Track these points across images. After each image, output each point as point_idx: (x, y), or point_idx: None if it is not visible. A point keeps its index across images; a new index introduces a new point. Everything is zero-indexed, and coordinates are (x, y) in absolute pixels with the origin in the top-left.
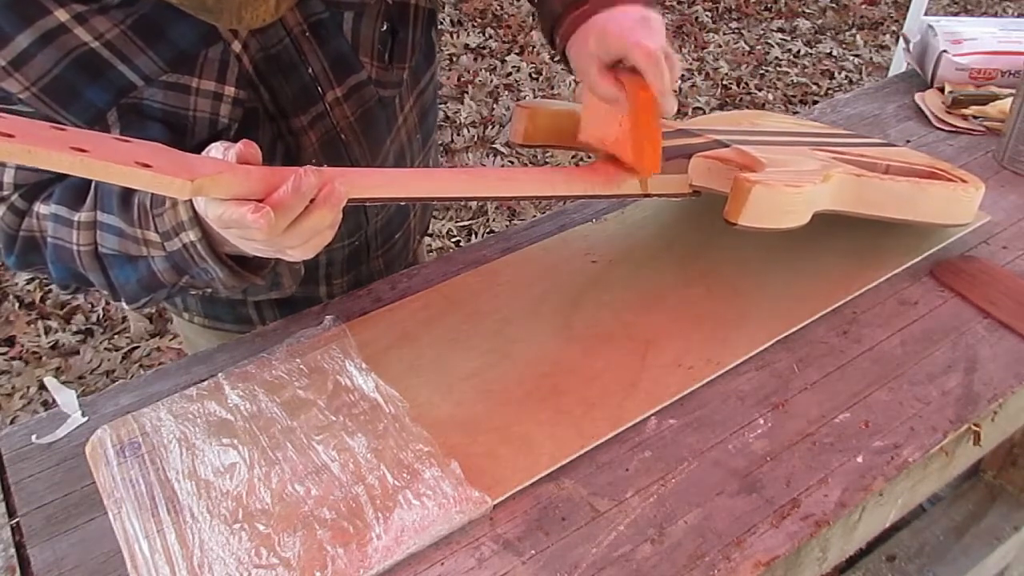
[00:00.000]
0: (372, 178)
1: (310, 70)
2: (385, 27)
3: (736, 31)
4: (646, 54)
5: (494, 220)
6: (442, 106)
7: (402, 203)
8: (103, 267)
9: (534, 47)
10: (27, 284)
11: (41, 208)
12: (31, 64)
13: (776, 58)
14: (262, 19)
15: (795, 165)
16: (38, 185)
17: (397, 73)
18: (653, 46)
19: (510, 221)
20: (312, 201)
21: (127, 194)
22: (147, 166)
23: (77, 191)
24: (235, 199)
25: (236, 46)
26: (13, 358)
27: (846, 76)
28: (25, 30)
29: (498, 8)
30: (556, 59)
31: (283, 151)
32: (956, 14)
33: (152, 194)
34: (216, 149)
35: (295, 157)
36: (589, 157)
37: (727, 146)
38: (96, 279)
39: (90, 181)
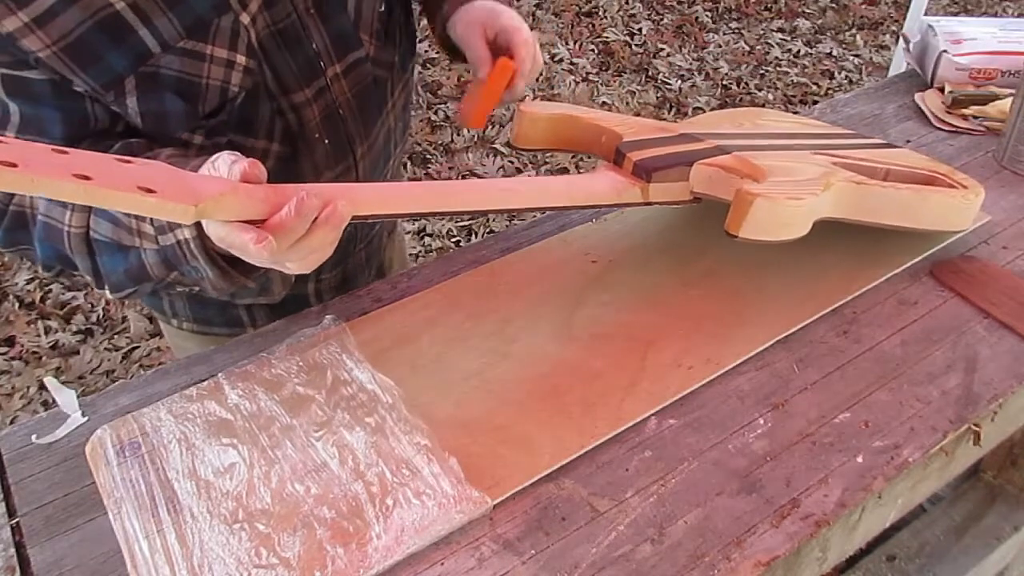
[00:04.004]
0: (375, 195)
1: (314, 45)
2: (383, 7)
3: (736, 31)
4: (524, 42)
5: (494, 220)
6: (442, 106)
7: (405, 219)
8: (91, 252)
9: None
10: (27, 284)
11: None
12: (55, 22)
13: (776, 58)
14: None
15: (796, 173)
16: None
17: (389, 54)
18: (528, 35)
19: (510, 221)
20: (314, 221)
21: None
22: (150, 191)
23: None
24: (238, 221)
25: (245, 18)
26: (13, 358)
27: (846, 76)
28: None
29: None
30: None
31: (283, 127)
32: (956, 14)
33: None
34: (223, 162)
35: (296, 132)
36: (589, 159)
37: (729, 152)
38: (82, 263)
39: None
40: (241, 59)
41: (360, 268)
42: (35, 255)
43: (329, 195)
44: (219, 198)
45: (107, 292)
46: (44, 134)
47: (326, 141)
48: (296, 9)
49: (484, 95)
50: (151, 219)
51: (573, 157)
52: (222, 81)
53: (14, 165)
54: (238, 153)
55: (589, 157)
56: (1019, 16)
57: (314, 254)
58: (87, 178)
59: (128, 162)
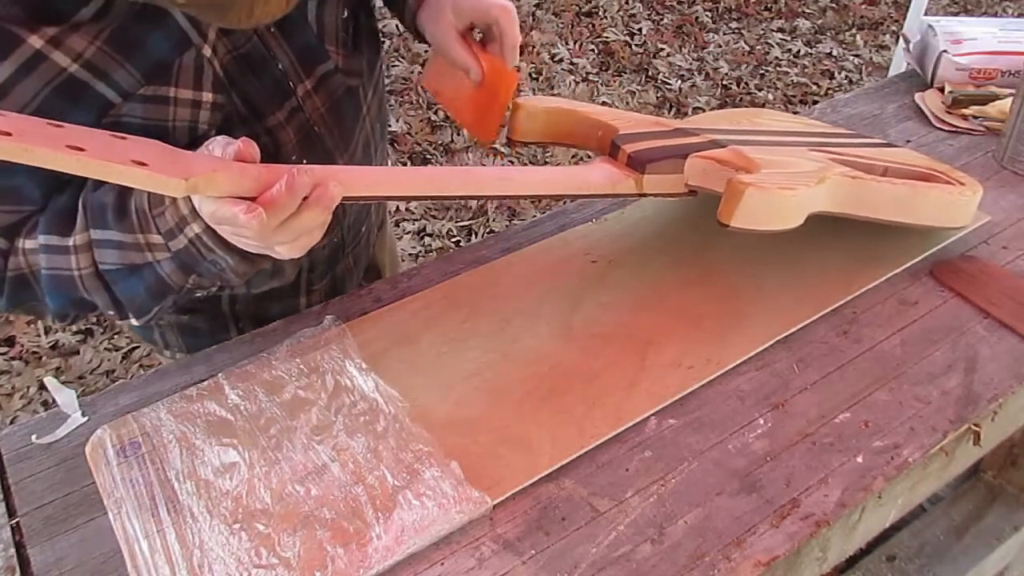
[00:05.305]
0: (366, 177)
1: (279, 65)
2: (346, 14)
3: (736, 31)
4: (502, 8)
5: (494, 220)
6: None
7: (396, 202)
8: (106, 285)
9: (534, 47)
10: None
11: (27, 244)
12: (10, 98)
13: (776, 58)
14: (272, 13)
15: (791, 166)
16: (17, 224)
17: (358, 61)
18: (507, 3)
19: (510, 221)
20: (304, 200)
21: (121, 203)
22: (143, 164)
23: (64, 217)
24: (229, 197)
25: (207, 50)
26: (13, 358)
27: (846, 76)
28: (1, 64)
29: None
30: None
31: (260, 152)
32: (956, 14)
33: (150, 196)
34: (217, 144)
35: (274, 156)
36: (588, 156)
37: (724, 146)
38: (100, 299)
39: (75, 203)
40: (208, 96)
41: (349, 272)
42: (45, 309)
43: (320, 176)
44: (211, 175)
45: (131, 320)
46: (23, 201)
47: (304, 161)
48: (256, 30)
49: (489, 105)
50: (158, 227)
51: (572, 156)
52: (189, 121)
53: (8, 134)
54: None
55: (589, 156)
56: (1019, 16)
57: (304, 236)
58: (81, 149)
59: (123, 138)
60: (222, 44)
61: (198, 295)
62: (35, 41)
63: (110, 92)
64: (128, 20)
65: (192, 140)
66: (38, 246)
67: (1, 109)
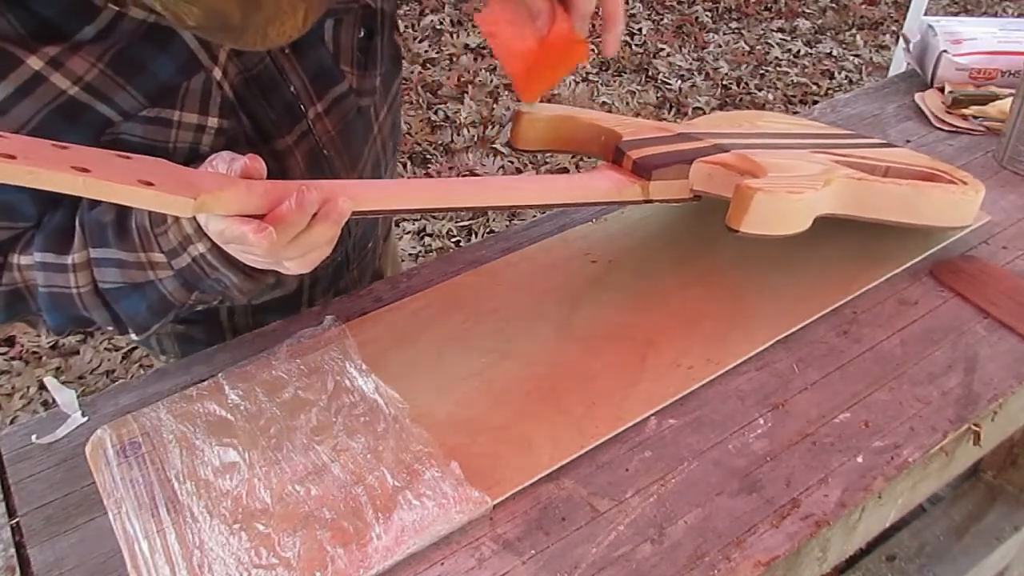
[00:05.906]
0: (374, 191)
1: (292, 88)
2: (362, 33)
3: (736, 31)
4: None
5: (494, 220)
6: (442, 106)
7: (403, 216)
8: (106, 303)
9: None
10: None
11: (22, 259)
12: (6, 118)
13: (776, 58)
14: (288, 35)
15: (796, 170)
16: (10, 240)
17: (372, 80)
18: None
19: (510, 221)
20: (314, 216)
21: (122, 221)
22: (149, 184)
23: (61, 235)
24: (237, 215)
25: (217, 73)
26: (13, 358)
27: (846, 76)
28: None
29: None
30: None
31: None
32: (956, 14)
33: (151, 214)
34: (221, 160)
35: (280, 179)
36: (590, 160)
37: (728, 151)
38: (100, 316)
39: (71, 221)
40: (213, 121)
41: (353, 285)
42: (40, 321)
43: (329, 191)
44: (218, 192)
45: (132, 335)
46: (17, 217)
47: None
48: (269, 52)
49: (543, 67)
50: (161, 246)
51: (573, 157)
52: (191, 144)
53: (12, 157)
54: (234, 153)
55: (589, 158)
56: (1019, 16)
57: (313, 252)
58: (86, 170)
59: (128, 157)
60: (233, 65)
61: (199, 308)
62: (34, 62)
63: (111, 112)
64: (133, 41)
65: (191, 160)
66: (34, 263)
67: None
